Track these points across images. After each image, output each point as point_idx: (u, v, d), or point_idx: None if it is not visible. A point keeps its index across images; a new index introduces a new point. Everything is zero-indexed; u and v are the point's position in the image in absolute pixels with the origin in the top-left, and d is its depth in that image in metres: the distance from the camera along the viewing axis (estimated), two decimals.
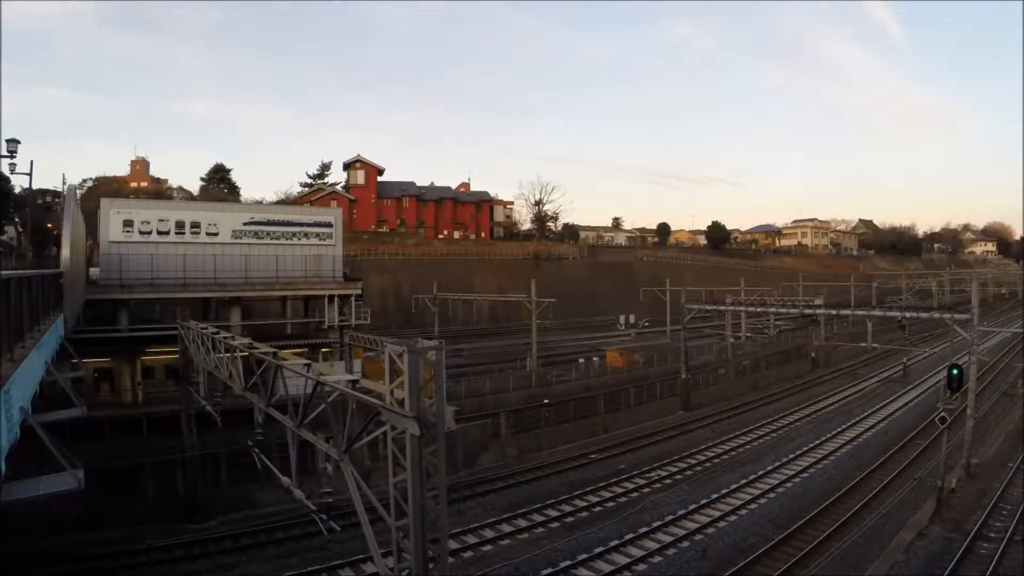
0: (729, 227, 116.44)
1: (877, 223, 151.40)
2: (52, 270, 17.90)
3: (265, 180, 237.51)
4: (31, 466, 10.94)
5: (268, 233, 31.03)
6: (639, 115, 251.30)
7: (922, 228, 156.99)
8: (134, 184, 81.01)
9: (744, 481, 25.17)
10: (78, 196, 32.84)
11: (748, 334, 54.11)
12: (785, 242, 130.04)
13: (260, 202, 67.17)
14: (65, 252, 19.55)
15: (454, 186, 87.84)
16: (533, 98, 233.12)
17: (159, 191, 76.07)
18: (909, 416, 36.18)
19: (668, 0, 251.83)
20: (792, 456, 28.42)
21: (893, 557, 17.97)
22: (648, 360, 43.78)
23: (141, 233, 28.22)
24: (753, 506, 22.88)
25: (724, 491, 24.02)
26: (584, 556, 18.51)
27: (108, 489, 20.82)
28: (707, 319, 56.69)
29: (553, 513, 22.53)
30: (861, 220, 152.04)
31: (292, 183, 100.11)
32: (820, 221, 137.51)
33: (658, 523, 21.01)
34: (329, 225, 32.81)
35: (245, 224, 30.72)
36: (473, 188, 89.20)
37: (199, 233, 29.46)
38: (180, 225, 29.12)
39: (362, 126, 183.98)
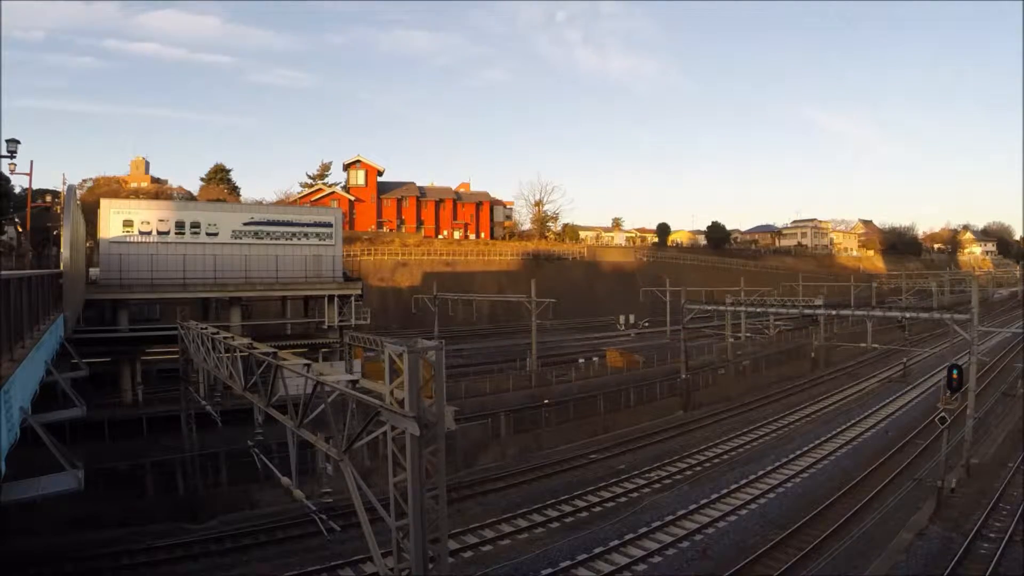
0: (729, 227, 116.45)
1: (877, 223, 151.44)
2: (52, 270, 17.92)
3: (265, 180, 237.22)
4: (31, 466, 10.93)
5: (268, 233, 31.02)
6: (639, 114, 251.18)
7: (922, 228, 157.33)
8: (134, 184, 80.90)
9: (744, 481, 25.14)
10: (78, 196, 32.81)
11: (748, 334, 54.12)
12: (785, 242, 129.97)
13: (260, 202, 67.12)
14: (65, 252, 19.56)
15: (454, 186, 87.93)
16: (534, 97, 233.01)
17: (159, 191, 75.94)
18: (909, 416, 36.12)
19: (667, 0, 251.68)
20: (792, 456, 28.39)
21: (893, 557, 17.98)
22: (648, 360, 43.82)
23: (141, 233, 28.24)
24: (753, 506, 22.84)
25: (724, 491, 23.99)
26: (584, 556, 18.50)
27: (108, 489, 20.88)
28: (707, 319, 56.70)
29: (553, 513, 22.50)
30: (861, 220, 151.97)
31: (292, 183, 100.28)
32: (820, 221, 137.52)
33: (658, 523, 20.99)
34: (329, 225, 32.79)
35: (245, 224, 30.71)
36: (473, 188, 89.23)
37: (199, 233, 29.47)
38: (180, 225, 29.14)
39: (362, 126, 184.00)
